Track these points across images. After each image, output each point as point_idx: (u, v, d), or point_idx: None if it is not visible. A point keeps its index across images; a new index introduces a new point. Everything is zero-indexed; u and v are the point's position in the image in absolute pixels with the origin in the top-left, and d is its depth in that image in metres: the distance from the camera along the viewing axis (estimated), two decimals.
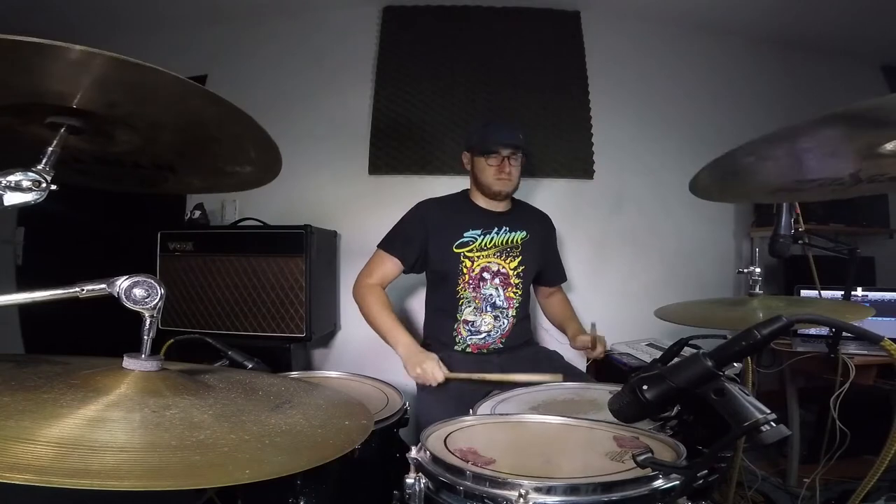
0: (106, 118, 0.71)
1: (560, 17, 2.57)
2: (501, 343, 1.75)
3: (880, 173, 0.93)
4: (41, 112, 0.68)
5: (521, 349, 1.78)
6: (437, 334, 1.78)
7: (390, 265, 1.72)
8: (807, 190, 1.05)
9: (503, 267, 1.75)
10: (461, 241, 1.72)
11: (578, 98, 2.52)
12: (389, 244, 1.74)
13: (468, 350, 1.73)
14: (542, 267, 1.88)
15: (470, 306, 1.73)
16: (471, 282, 1.72)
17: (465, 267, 1.72)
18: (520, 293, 1.77)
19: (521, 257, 1.77)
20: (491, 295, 1.74)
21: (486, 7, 2.55)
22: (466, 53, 2.52)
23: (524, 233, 1.79)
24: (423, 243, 1.73)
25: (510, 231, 1.78)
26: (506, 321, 1.75)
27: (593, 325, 1.92)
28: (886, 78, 2.81)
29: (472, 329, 1.73)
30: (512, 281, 1.76)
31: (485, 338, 1.73)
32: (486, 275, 1.73)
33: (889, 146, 0.81)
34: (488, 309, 1.73)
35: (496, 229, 1.76)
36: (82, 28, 2.50)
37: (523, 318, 1.81)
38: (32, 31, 0.53)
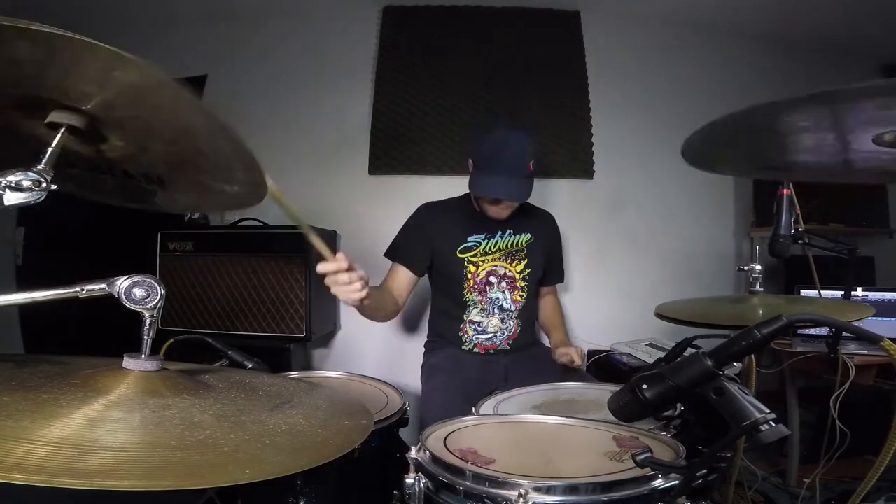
0: (106, 119, 0.71)
1: (560, 18, 2.56)
2: (508, 345, 1.74)
3: (875, 165, 0.93)
4: (42, 107, 0.68)
5: (527, 349, 1.77)
6: (443, 333, 1.77)
7: (402, 274, 1.69)
8: (799, 170, 1.05)
9: (509, 270, 1.74)
10: (464, 245, 1.71)
11: (578, 98, 2.51)
12: (395, 253, 1.72)
13: (475, 350, 1.73)
14: (546, 267, 1.86)
15: (476, 308, 1.72)
16: (476, 286, 1.71)
17: (469, 272, 1.70)
18: (526, 295, 1.76)
19: (526, 260, 1.75)
20: (498, 298, 1.72)
21: (485, 7, 2.55)
22: (466, 53, 2.52)
23: (528, 235, 1.77)
24: (430, 246, 1.71)
25: (514, 234, 1.75)
26: (512, 323, 1.74)
27: (579, 349, 1.77)
28: (886, 78, 2.81)
29: (479, 329, 1.73)
30: (518, 284, 1.74)
31: (491, 338, 1.73)
32: (492, 279, 1.72)
33: (886, 137, 0.81)
34: (495, 311, 1.72)
35: (500, 233, 1.74)
36: (82, 27, 2.48)
37: (529, 320, 1.80)
38: None
